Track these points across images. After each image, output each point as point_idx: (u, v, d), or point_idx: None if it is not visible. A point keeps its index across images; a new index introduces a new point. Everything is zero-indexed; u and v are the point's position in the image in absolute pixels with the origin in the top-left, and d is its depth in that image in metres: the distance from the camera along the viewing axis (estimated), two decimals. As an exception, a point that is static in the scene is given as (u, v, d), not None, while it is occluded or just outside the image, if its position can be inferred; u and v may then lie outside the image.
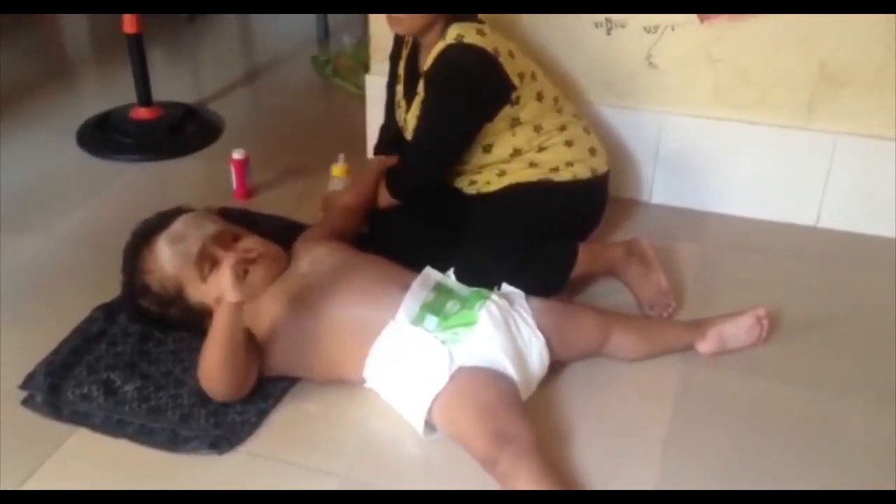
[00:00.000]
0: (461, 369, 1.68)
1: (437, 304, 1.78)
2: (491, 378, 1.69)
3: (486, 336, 1.73)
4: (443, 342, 1.71)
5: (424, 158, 2.09)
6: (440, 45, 1.98)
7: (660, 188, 2.55)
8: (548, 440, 1.68)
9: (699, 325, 1.93)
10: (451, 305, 1.78)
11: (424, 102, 2.04)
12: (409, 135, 2.16)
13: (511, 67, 2.02)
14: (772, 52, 2.31)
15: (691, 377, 1.88)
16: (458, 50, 1.96)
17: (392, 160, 2.21)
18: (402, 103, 2.17)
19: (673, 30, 2.34)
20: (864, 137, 2.33)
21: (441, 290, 1.83)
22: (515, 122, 2.06)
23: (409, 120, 2.13)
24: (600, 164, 2.17)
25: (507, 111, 2.04)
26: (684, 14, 2.29)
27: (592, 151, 2.16)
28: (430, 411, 1.66)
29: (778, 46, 2.29)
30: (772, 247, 2.38)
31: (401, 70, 2.18)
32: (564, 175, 2.10)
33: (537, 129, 2.09)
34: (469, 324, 1.74)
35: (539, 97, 2.08)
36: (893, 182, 2.33)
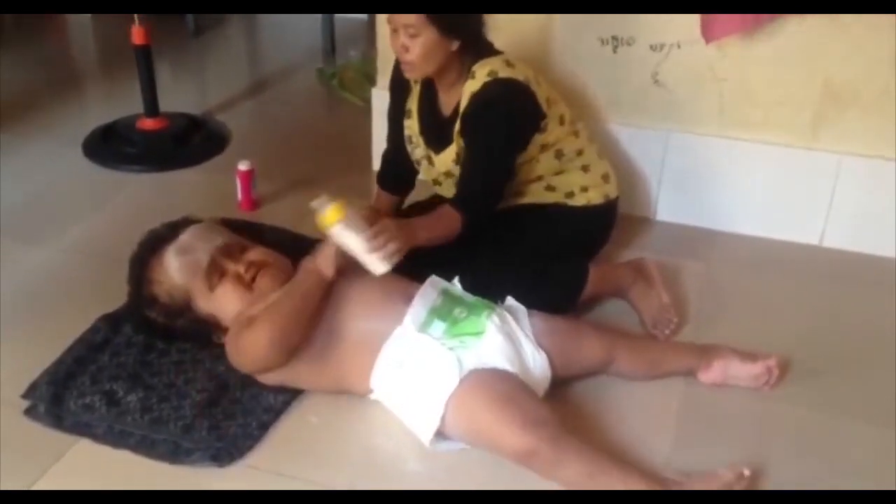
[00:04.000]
0: (471, 372, 1.68)
1: (444, 310, 1.78)
2: (502, 373, 1.69)
3: (493, 346, 1.73)
4: (450, 349, 1.71)
5: (483, 193, 2.04)
6: (473, 86, 1.96)
7: (664, 206, 2.55)
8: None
9: (705, 353, 1.90)
10: (458, 311, 1.78)
11: (469, 141, 2.00)
12: (435, 173, 2.13)
13: (540, 94, 2.03)
14: (776, 71, 2.31)
15: (693, 397, 1.87)
16: (496, 87, 1.95)
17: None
18: (421, 142, 2.13)
19: (679, 48, 2.35)
20: (869, 158, 2.33)
21: (448, 296, 1.84)
22: (543, 148, 2.07)
23: (440, 162, 2.09)
24: (612, 191, 2.20)
25: (536, 138, 2.04)
26: (690, 32, 2.30)
27: (605, 178, 2.19)
28: (443, 418, 1.65)
29: (782, 66, 2.30)
30: (775, 266, 2.37)
31: (411, 106, 2.14)
32: (579, 200, 2.14)
33: (558, 154, 2.11)
34: (477, 333, 1.74)
35: (561, 121, 2.09)
36: (897, 202, 2.34)
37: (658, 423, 1.80)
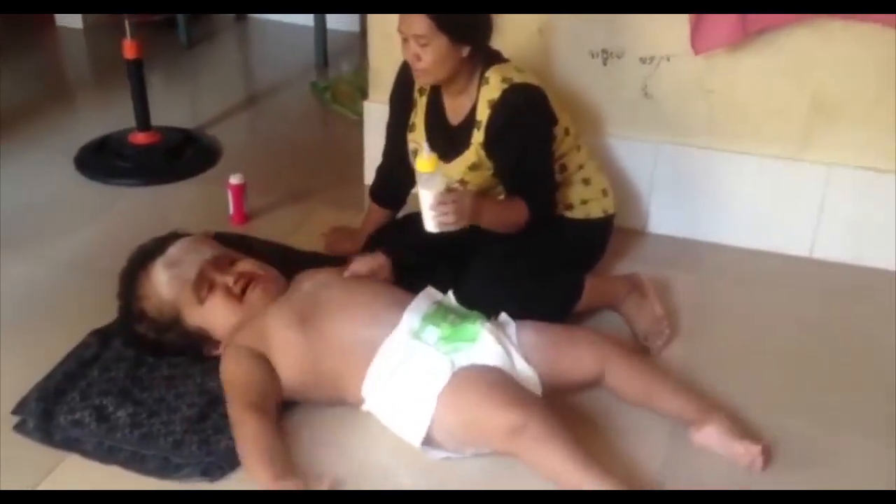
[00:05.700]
0: (461, 368, 1.70)
1: (437, 317, 1.80)
2: (491, 367, 1.71)
3: (487, 351, 1.74)
4: (444, 354, 1.72)
5: (545, 192, 2.08)
6: (490, 93, 1.99)
7: (655, 218, 2.56)
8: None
9: (704, 413, 1.75)
10: (452, 318, 1.80)
11: (507, 149, 2.01)
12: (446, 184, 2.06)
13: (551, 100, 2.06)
14: (765, 83, 2.32)
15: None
16: (517, 93, 1.99)
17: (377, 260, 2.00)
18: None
19: (668, 61, 2.36)
20: (858, 169, 2.34)
21: (441, 306, 1.85)
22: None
23: (452, 171, 2.07)
24: (610, 206, 2.23)
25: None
26: (679, 45, 2.31)
27: (605, 192, 2.22)
28: (433, 418, 1.65)
29: (771, 78, 2.31)
30: (766, 277, 2.38)
31: (416, 120, 2.14)
32: (577, 213, 2.16)
33: (562, 168, 2.13)
34: (470, 339, 1.75)
35: (567, 132, 2.12)
36: (887, 213, 2.34)
37: (649, 441, 1.78)
